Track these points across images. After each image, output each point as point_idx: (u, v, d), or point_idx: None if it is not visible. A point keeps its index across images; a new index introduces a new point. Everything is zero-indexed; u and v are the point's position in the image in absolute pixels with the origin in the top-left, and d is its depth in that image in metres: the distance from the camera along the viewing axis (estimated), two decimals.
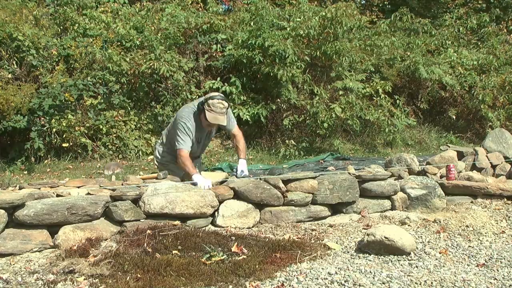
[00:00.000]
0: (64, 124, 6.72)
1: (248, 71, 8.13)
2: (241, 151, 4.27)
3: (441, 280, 2.69)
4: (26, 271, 2.74)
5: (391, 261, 2.98)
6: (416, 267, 2.90)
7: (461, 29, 11.27)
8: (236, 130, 4.36)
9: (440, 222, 3.80)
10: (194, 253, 2.91)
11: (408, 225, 3.73)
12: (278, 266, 2.81)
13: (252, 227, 3.61)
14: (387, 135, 8.61)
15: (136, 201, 3.37)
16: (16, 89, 6.60)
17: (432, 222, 3.80)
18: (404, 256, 3.06)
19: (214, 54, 8.45)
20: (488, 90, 9.46)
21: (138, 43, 8.12)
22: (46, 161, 6.83)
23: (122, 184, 3.59)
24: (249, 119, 7.77)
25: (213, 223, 3.56)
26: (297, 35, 8.04)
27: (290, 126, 8.04)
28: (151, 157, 7.27)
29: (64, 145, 6.87)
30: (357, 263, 2.93)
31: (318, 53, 8.08)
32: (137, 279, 2.56)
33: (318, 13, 8.28)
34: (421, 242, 3.36)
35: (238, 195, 3.67)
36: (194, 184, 3.69)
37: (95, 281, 2.56)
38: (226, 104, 3.96)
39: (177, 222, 3.35)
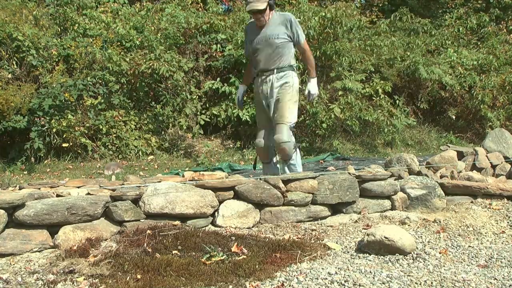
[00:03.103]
0: (64, 124, 6.72)
1: None
2: (310, 68, 4.23)
3: (441, 280, 2.69)
4: (26, 271, 2.74)
5: (391, 261, 2.98)
6: (416, 267, 2.90)
7: (461, 29, 11.28)
8: (303, 44, 4.15)
9: (440, 222, 3.80)
10: (194, 253, 2.91)
11: (408, 225, 3.73)
12: (278, 266, 2.81)
13: (252, 227, 3.62)
14: (387, 135, 8.62)
15: (136, 201, 3.37)
16: (16, 89, 6.59)
17: (432, 222, 3.80)
18: (404, 256, 3.06)
19: (214, 54, 8.46)
20: (488, 90, 9.47)
21: (138, 43, 8.12)
22: (46, 161, 6.83)
23: (122, 184, 3.59)
24: (248, 120, 7.77)
25: (213, 223, 3.56)
26: None
27: None
28: (151, 157, 7.28)
29: (64, 145, 6.87)
30: (357, 263, 2.93)
31: (317, 53, 8.08)
32: (137, 279, 2.56)
33: (318, 13, 8.28)
34: (421, 242, 3.36)
35: (238, 195, 3.67)
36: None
37: (95, 281, 2.56)
38: None
39: (177, 222, 3.35)
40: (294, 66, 4.21)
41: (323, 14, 7.97)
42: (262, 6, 3.93)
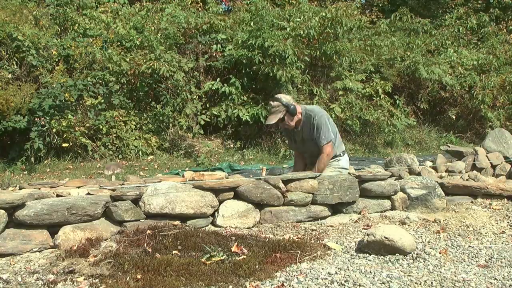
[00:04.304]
0: (64, 124, 6.72)
1: (248, 71, 8.13)
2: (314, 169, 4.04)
3: (441, 280, 2.69)
4: (26, 271, 2.74)
5: (391, 261, 2.98)
6: (416, 267, 2.90)
7: (461, 29, 11.29)
8: (324, 147, 4.01)
9: (440, 222, 3.80)
10: (194, 253, 2.91)
11: (408, 225, 3.73)
12: (278, 266, 2.81)
13: (252, 227, 3.61)
14: (387, 135, 8.62)
15: (136, 201, 3.37)
16: (16, 89, 6.59)
17: (432, 222, 3.80)
18: (404, 256, 3.06)
19: (214, 54, 8.46)
20: (488, 90, 9.48)
21: (138, 43, 8.12)
22: (46, 161, 6.83)
23: (122, 184, 3.59)
24: (249, 119, 7.77)
25: (213, 223, 3.56)
26: (297, 35, 8.05)
27: None
28: (151, 157, 7.28)
29: (64, 145, 6.87)
30: (357, 263, 2.93)
31: (318, 53, 8.08)
32: (137, 279, 2.56)
33: (318, 13, 8.28)
34: (421, 242, 3.36)
35: (238, 195, 3.67)
36: None
37: (95, 281, 2.56)
38: (275, 103, 3.98)
39: (177, 222, 3.35)
40: (340, 152, 4.24)
41: (324, 14, 7.97)
42: (273, 120, 4.04)
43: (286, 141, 4.18)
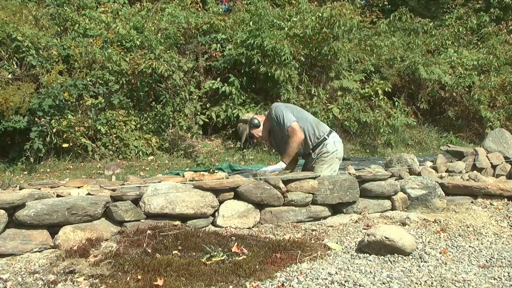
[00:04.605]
0: (64, 124, 6.71)
1: (248, 70, 8.13)
2: (284, 154, 4.14)
3: (441, 280, 2.69)
4: (26, 271, 2.74)
5: (391, 261, 2.98)
6: (417, 267, 2.90)
7: (461, 29, 11.29)
8: (289, 131, 4.08)
9: (440, 222, 3.80)
10: (194, 253, 2.91)
11: (408, 225, 3.73)
12: (279, 266, 2.81)
13: (252, 227, 3.61)
14: (382, 135, 8.62)
15: (136, 201, 3.37)
16: (16, 89, 6.59)
17: (432, 222, 3.80)
18: (404, 256, 3.06)
19: (214, 54, 8.46)
20: (487, 90, 9.49)
21: (138, 43, 8.12)
22: (47, 161, 6.83)
23: (122, 185, 3.59)
24: None
25: (213, 223, 3.56)
26: (295, 35, 8.05)
27: None
28: (152, 157, 7.28)
29: (64, 145, 6.87)
30: (357, 263, 2.93)
31: (316, 53, 8.09)
32: (137, 279, 2.56)
33: (315, 13, 8.28)
34: (421, 242, 3.36)
35: (238, 195, 3.67)
36: None
37: (95, 281, 2.56)
38: (238, 125, 4.46)
39: (177, 222, 3.35)
40: (325, 135, 4.18)
41: (319, 14, 7.97)
42: (243, 139, 4.43)
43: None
